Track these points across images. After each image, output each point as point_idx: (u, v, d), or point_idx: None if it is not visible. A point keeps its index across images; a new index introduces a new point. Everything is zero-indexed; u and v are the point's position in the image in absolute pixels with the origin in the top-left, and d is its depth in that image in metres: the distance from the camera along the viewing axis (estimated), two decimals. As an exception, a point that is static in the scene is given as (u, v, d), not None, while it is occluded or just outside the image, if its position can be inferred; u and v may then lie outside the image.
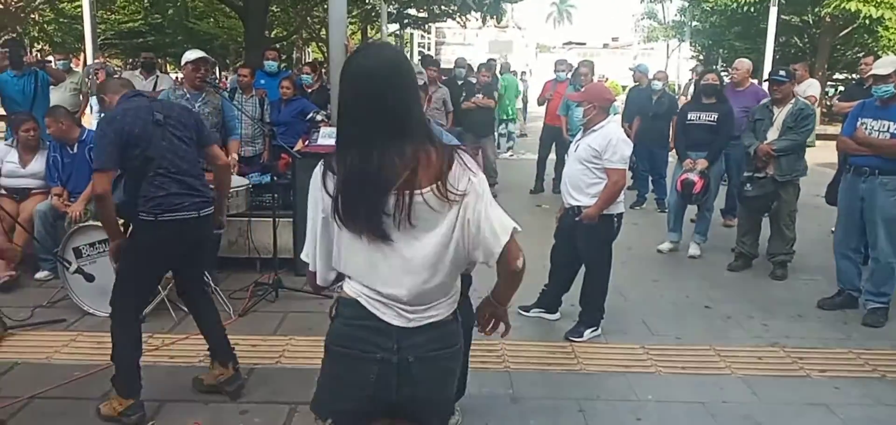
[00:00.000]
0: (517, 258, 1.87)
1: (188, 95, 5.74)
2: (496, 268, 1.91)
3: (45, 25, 24.48)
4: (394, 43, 33.73)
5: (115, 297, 3.52)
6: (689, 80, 14.25)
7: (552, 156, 9.73)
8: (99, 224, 4.79)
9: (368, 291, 1.84)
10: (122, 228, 3.55)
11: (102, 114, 3.53)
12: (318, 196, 1.85)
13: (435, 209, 1.77)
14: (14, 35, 17.19)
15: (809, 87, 8.11)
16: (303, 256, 1.97)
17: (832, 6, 18.83)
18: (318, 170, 1.85)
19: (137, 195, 3.39)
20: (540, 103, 10.34)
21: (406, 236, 1.78)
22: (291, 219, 5.59)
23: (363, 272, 1.84)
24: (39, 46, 24.78)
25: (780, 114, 5.86)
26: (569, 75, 9.73)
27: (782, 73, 6.01)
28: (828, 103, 19.87)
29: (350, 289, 1.88)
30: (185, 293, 3.88)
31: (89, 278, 4.04)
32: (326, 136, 5.57)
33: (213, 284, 5.07)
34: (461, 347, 1.96)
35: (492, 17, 22.31)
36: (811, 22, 22.92)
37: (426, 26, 37.87)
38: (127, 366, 3.45)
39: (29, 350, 4.25)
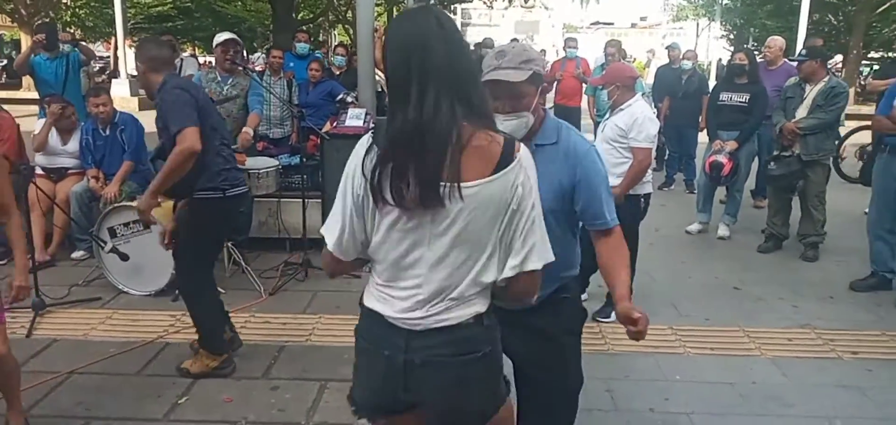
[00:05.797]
0: (535, 293, 1.77)
1: (219, 78, 5.82)
2: (496, 289, 1.75)
3: (77, 10, 24.92)
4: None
5: (184, 275, 3.68)
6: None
7: None
8: (133, 204, 4.89)
9: (387, 291, 1.74)
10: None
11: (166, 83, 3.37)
12: (353, 171, 1.69)
13: (484, 200, 1.62)
14: (47, 19, 17.47)
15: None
16: (322, 230, 1.81)
17: None
18: (362, 145, 1.69)
19: (201, 170, 3.37)
20: (549, 84, 10.31)
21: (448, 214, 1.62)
22: (320, 200, 5.64)
23: (393, 262, 1.71)
24: (72, 31, 25.22)
25: (812, 93, 5.76)
26: (577, 53, 9.88)
27: (803, 52, 5.94)
28: (862, 82, 19.42)
29: (369, 290, 1.81)
30: None
31: (124, 257, 4.13)
32: (354, 118, 5.60)
33: (243, 263, 5.15)
34: (488, 354, 1.76)
35: (518, -3, 22.13)
36: (846, -1, 22.41)
37: (452, 7, 37.72)
38: (212, 329, 3.67)
39: (66, 327, 4.35)
